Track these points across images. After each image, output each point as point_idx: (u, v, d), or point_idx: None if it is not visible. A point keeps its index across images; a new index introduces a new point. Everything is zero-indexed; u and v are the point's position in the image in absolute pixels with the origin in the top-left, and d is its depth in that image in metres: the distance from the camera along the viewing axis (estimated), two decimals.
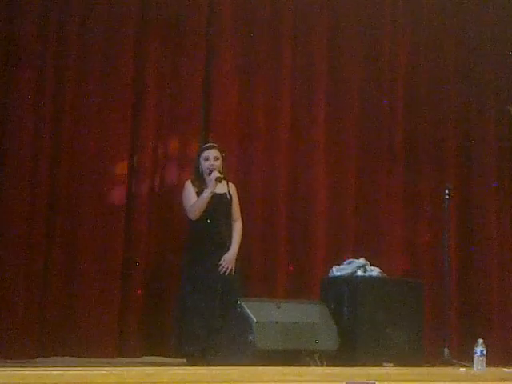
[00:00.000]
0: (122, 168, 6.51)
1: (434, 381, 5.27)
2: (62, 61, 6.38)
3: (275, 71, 7.20)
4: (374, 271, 6.41)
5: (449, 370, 6.02)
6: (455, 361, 6.47)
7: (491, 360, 5.78)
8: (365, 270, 6.38)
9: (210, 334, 5.79)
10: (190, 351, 5.86)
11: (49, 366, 5.34)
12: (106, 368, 4.97)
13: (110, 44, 6.56)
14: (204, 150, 6.20)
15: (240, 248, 6.14)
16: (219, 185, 6.06)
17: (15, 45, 6.24)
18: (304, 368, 5.44)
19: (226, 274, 5.97)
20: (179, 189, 6.26)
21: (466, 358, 6.15)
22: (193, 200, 6.04)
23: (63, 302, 6.21)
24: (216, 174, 6.01)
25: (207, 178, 6.07)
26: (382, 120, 7.59)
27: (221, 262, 5.98)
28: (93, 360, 6.06)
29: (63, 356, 6.12)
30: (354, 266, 6.39)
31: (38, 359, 5.99)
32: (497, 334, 7.49)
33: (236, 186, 6.30)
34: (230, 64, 7.01)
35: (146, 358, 6.37)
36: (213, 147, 6.20)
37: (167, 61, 6.79)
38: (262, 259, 6.93)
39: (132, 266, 6.41)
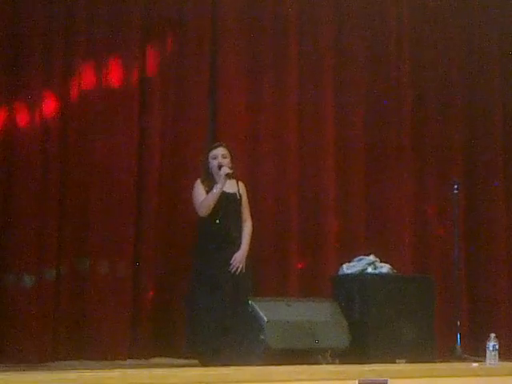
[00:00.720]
0: (130, 170, 6.50)
1: (446, 376, 5.26)
2: (67, 62, 6.39)
3: (281, 70, 7.19)
4: (384, 268, 6.40)
5: (461, 365, 6.00)
6: (467, 356, 6.45)
7: (502, 354, 5.76)
8: (375, 267, 6.37)
9: (221, 333, 5.78)
10: (202, 351, 5.86)
11: (62, 369, 5.36)
12: (118, 370, 4.98)
13: (115, 46, 6.56)
14: (212, 148, 6.21)
15: (250, 247, 6.13)
16: (229, 184, 6.07)
17: (20, 44, 6.25)
18: (316, 366, 5.45)
19: (237, 273, 5.97)
20: (188, 190, 6.24)
21: (478, 353, 6.14)
22: (202, 198, 6.04)
23: (75, 306, 6.22)
24: (226, 169, 6.02)
25: (216, 177, 6.06)
26: (390, 117, 7.58)
27: (231, 261, 5.98)
28: (105, 362, 6.06)
29: (75, 359, 6.12)
30: (364, 263, 6.39)
31: (50, 363, 5.99)
32: (508, 328, 7.47)
33: (246, 185, 6.30)
34: (236, 64, 7.01)
35: (158, 359, 6.37)
36: (220, 145, 6.21)
37: (173, 62, 6.79)
38: (272, 258, 6.93)
39: (143, 269, 6.42)
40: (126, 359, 6.22)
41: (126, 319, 6.29)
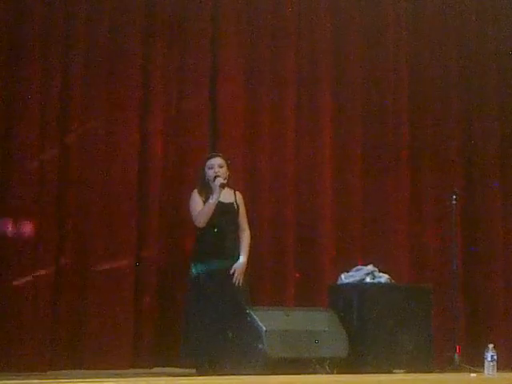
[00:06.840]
0: (131, 172, 6.48)
1: None
2: (67, 62, 6.37)
3: (280, 74, 7.19)
4: (383, 278, 6.40)
5: (459, 375, 6.00)
6: (466, 366, 6.44)
7: (501, 365, 5.76)
8: (373, 277, 6.37)
9: (219, 343, 5.77)
10: (200, 361, 5.86)
11: (61, 379, 5.34)
12: (118, 379, 4.96)
13: (117, 47, 6.55)
14: (208, 159, 6.21)
15: (248, 257, 6.12)
16: (226, 194, 6.07)
17: (20, 43, 6.23)
18: (314, 376, 5.44)
19: (237, 283, 5.96)
20: (188, 197, 6.23)
21: (476, 363, 6.13)
22: (199, 208, 6.04)
23: (75, 315, 6.18)
24: (220, 180, 6.01)
25: (213, 186, 6.07)
26: (387, 126, 7.59)
27: (231, 272, 5.96)
28: (105, 372, 6.03)
29: (75, 369, 6.10)
30: (363, 273, 6.38)
31: (49, 372, 5.96)
32: (506, 339, 7.47)
33: (243, 194, 6.30)
34: (236, 69, 7.01)
35: (159, 369, 6.34)
36: (217, 156, 6.22)
37: (173, 66, 6.78)
38: (269, 267, 6.92)
39: (144, 278, 6.40)
40: (127, 369, 6.18)
41: (127, 328, 6.25)
